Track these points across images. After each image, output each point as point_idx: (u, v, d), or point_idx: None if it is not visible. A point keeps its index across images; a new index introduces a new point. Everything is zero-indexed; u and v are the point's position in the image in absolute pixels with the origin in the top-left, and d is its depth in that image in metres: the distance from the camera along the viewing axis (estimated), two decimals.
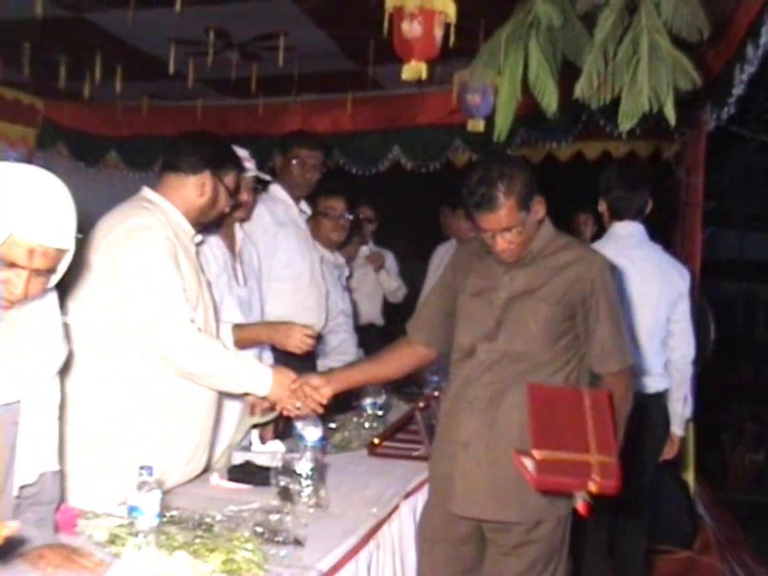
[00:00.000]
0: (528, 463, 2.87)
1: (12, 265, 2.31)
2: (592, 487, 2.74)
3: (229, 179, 3.62)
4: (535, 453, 2.81)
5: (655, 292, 4.86)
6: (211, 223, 3.77)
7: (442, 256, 7.33)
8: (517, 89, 3.34)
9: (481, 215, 3.21)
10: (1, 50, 6.74)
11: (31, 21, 5.44)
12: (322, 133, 7.62)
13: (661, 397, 5.00)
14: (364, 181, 7.91)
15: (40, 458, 2.58)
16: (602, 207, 5.17)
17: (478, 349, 3.33)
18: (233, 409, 3.97)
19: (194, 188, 3.50)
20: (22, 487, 2.55)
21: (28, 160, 8.33)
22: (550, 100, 3.30)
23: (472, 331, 3.38)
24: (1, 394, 2.46)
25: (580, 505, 2.79)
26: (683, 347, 5.03)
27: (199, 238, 3.67)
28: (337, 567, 2.77)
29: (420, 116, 7.49)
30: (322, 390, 3.45)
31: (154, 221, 3.35)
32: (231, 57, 6.77)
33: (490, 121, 5.95)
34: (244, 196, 4.28)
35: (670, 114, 3.21)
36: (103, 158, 8.44)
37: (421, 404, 4.52)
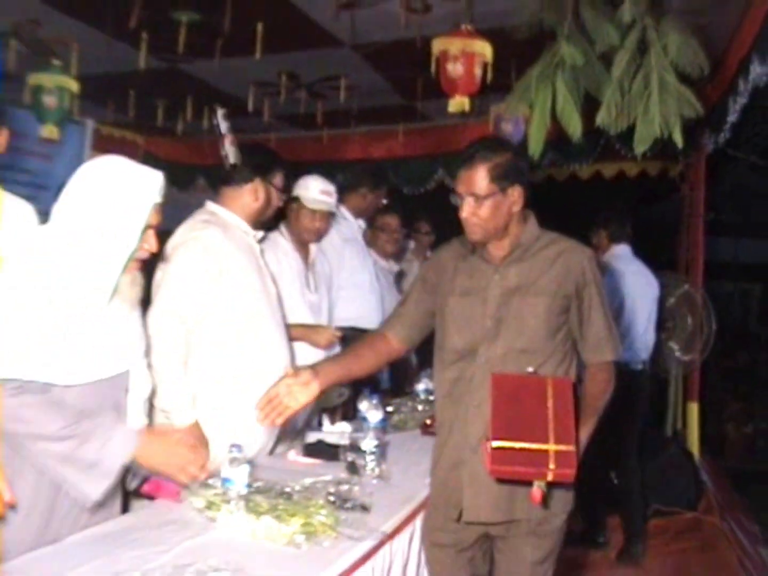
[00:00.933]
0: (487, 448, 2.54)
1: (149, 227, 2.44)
2: (549, 476, 2.48)
3: (278, 180, 3.60)
4: (492, 443, 2.48)
5: (648, 292, 5.74)
6: (270, 220, 3.75)
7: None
8: (546, 119, 3.35)
9: (459, 175, 2.86)
10: (111, 97, 6.88)
11: (135, 73, 5.51)
12: (377, 158, 7.66)
13: (645, 370, 5.70)
14: (415, 200, 7.92)
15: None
16: (601, 235, 5.88)
17: (479, 351, 2.85)
18: None
19: (249, 195, 3.50)
20: None
21: None
22: (575, 128, 3.31)
23: (468, 332, 2.89)
24: (118, 363, 2.52)
25: (535, 491, 2.50)
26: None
27: (260, 234, 3.64)
28: (398, 530, 2.78)
29: (461, 143, 7.47)
30: (310, 386, 2.79)
31: (205, 234, 3.34)
32: (300, 96, 6.86)
33: (521, 146, 5.97)
34: (320, 224, 4.29)
35: (678, 139, 3.22)
36: (192, 183, 8.50)
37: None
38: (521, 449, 2.49)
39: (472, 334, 2.88)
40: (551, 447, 2.49)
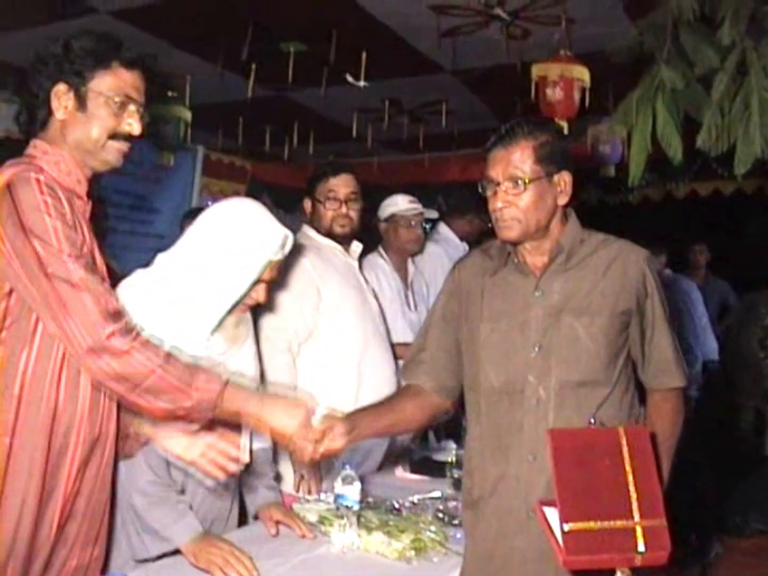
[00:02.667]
0: (554, 524, 1.90)
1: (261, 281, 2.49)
2: (637, 562, 1.84)
3: (319, 192, 3.52)
4: (564, 526, 1.82)
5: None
6: (328, 234, 3.55)
7: None
8: (647, 142, 3.33)
9: (492, 156, 2.25)
10: (221, 124, 7.07)
11: (244, 102, 5.67)
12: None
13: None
14: None
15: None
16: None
17: (526, 389, 2.22)
18: None
19: (308, 213, 3.55)
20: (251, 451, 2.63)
21: None
22: (675, 151, 3.28)
23: (507, 366, 2.26)
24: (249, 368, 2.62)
25: None
26: None
27: (359, 247, 3.63)
28: None
29: None
30: (339, 439, 2.28)
31: (303, 250, 3.35)
32: (402, 121, 6.93)
33: (617, 166, 5.96)
34: (418, 231, 4.36)
35: None
36: (298, 206, 8.59)
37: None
38: (600, 530, 1.85)
39: (514, 368, 2.25)
40: (638, 523, 1.86)
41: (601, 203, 7.73)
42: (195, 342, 2.40)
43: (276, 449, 2.86)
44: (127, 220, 7.08)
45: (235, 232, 2.44)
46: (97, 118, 2.04)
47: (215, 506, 2.58)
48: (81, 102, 2.04)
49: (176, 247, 2.52)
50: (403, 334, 4.10)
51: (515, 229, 2.23)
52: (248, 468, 2.64)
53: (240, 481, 2.68)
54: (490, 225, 4.71)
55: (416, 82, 5.94)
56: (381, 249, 4.33)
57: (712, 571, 5.31)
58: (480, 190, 2.30)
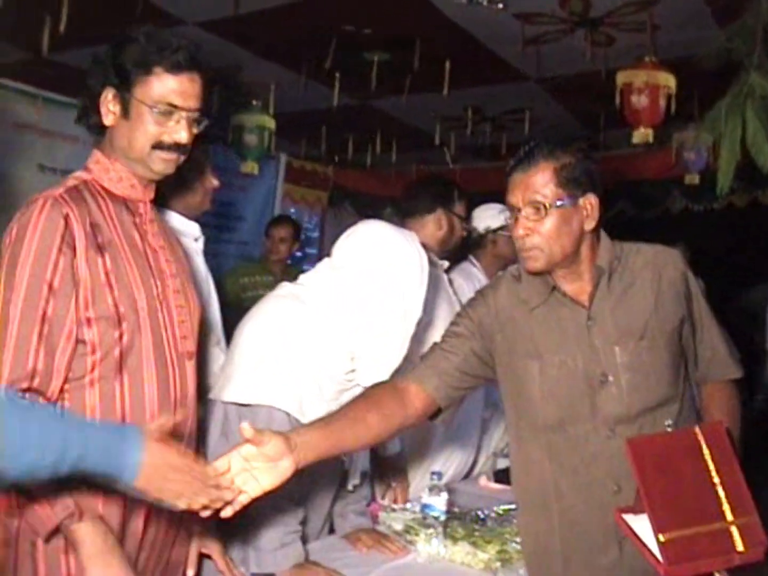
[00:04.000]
0: (643, 534, 1.83)
1: None
2: (736, 561, 1.77)
3: (459, 209, 3.55)
4: (659, 536, 1.74)
5: None
6: (451, 249, 3.63)
7: None
8: (736, 150, 3.27)
9: (511, 180, 2.08)
10: (305, 133, 7.14)
11: (328, 110, 5.73)
12: None
13: None
14: None
15: (363, 461, 2.67)
16: None
17: (596, 420, 2.06)
18: (496, 423, 4.00)
19: (433, 225, 3.46)
20: (354, 486, 2.66)
21: (322, 216, 8.74)
22: (766, 159, 3.22)
23: (572, 400, 2.09)
24: None
25: None
26: None
27: (446, 264, 3.62)
28: None
29: (643, 172, 7.37)
30: (280, 464, 1.80)
31: None
32: (485, 128, 6.92)
33: (702, 173, 5.86)
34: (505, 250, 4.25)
35: None
36: (380, 213, 8.65)
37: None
38: (697, 535, 1.78)
39: (580, 401, 2.08)
40: (732, 523, 1.80)
41: (685, 210, 7.60)
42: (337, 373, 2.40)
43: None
44: (213, 227, 7.19)
45: (398, 278, 2.39)
46: (139, 126, 1.97)
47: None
48: (125, 109, 1.96)
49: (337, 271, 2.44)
50: None
51: (539, 259, 2.06)
52: (354, 489, 2.66)
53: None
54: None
55: (499, 90, 5.93)
56: (473, 258, 4.26)
57: None
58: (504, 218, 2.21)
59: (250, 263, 6.24)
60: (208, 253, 3.44)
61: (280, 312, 2.39)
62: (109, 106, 1.97)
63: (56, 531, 1.79)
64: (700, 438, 1.86)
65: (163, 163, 2.01)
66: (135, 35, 1.98)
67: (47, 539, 1.80)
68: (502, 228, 4.16)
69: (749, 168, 3.33)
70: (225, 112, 5.62)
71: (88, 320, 1.85)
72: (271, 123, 5.59)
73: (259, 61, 5.45)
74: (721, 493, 1.81)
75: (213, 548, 2.24)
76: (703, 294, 2.18)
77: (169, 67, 1.95)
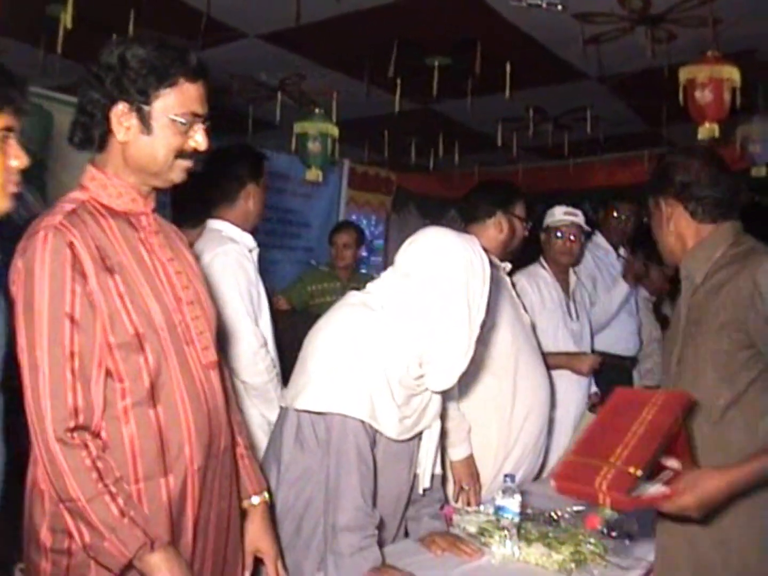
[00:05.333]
0: None
1: None
2: (599, 499, 1.93)
3: (519, 210, 3.57)
4: (566, 455, 2.13)
5: None
6: (515, 251, 3.66)
7: None
8: None
9: None
10: (367, 138, 7.22)
11: (390, 115, 5.78)
12: (623, 185, 7.56)
13: None
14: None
15: (433, 464, 2.68)
16: None
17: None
18: (567, 419, 4.01)
19: (494, 228, 3.50)
20: (425, 490, 2.68)
21: (387, 220, 8.77)
22: None
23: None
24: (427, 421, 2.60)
25: (591, 517, 2.25)
26: None
27: (508, 266, 3.64)
28: None
29: None
30: None
31: None
32: (547, 128, 6.92)
33: None
34: (570, 243, 4.24)
35: None
36: (444, 215, 8.66)
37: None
38: (582, 464, 2.02)
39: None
40: (611, 464, 1.94)
41: (753, 204, 7.50)
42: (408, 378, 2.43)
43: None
44: (276, 234, 7.28)
45: (461, 284, 2.39)
46: (163, 139, 1.90)
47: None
48: (145, 123, 1.88)
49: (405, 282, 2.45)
50: (564, 343, 4.10)
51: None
52: (424, 493, 2.68)
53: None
54: (645, 219, 4.52)
55: (561, 90, 5.92)
56: (542, 259, 4.30)
57: None
58: None
59: (317, 270, 6.30)
60: (272, 261, 3.52)
61: (350, 320, 2.43)
62: (122, 122, 1.88)
63: (129, 565, 1.78)
64: (658, 398, 2.08)
65: (183, 173, 1.98)
66: (141, 43, 1.90)
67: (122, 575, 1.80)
68: (546, 229, 4.23)
69: None
70: (287, 121, 5.71)
71: (110, 347, 1.81)
72: (334, 130, 5.63)
73: (321, 70, 5.51)
74: (627, 440, 1.98)
75: (267, 553, 2.25)
76: None
77: (190, 75, 1.91)
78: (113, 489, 1.75)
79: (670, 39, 4.83)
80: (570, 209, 4.23)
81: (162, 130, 1.89)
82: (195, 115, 1.93)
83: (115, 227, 1.90)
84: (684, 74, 4.43)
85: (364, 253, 8.69)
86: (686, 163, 2.36)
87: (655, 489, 2.00)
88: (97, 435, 1.79)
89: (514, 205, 3.56)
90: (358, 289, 2.58)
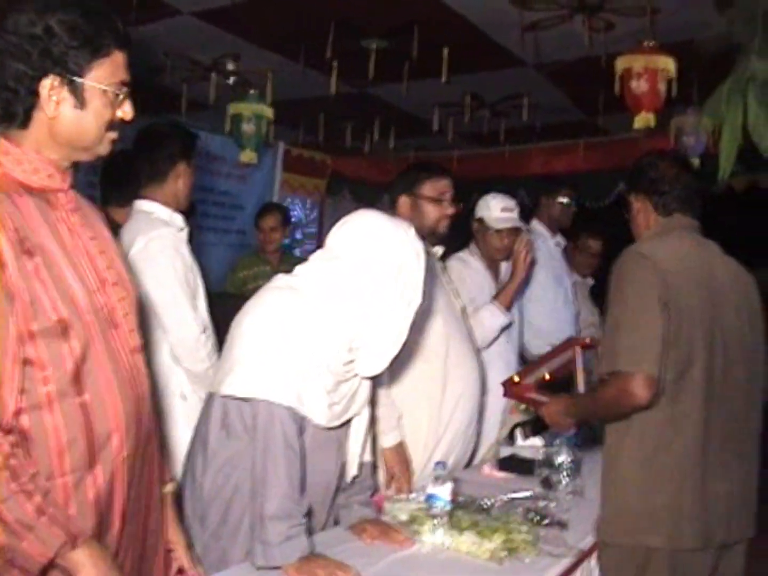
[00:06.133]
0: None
1: None
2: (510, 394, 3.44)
3: (428, 190, 3.41)
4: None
5: None
6: (432, 233, 3.47)
7: None
8: (738, 135, 3.26)
9: None
10: (303, 121, 7.15)
11: (326, 98, 5.72)
12: (558, 173, 7.60)
13: None
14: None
15: (361, 452, 2.64)
16: None
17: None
18: (498, 405, 4.01)
19: (401, 209, 3.40)
20: (355, 477, 2.65)
21: (321, 204, 8.73)
22: (767, 144, 3.21)
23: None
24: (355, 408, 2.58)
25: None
26: None
27: (440, 250, 3.60)
28: (595, 547, 2.69)
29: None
30: None
31: None
32: (483, 115, 6.90)
33: (702, 158, 5.84)
34: (506, 242, 4.14)
35: None
36: (379, 200, 8.63)
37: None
38: (516, 381, 3.36)
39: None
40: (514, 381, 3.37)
41: None
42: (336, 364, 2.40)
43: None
44: (211, 217, 7.20)
45: (394, 267, 2.36)
46: (96, 112, 1.79)
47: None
48: (78, 97, 1.76)
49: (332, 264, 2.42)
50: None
51: None
52: (353, 481, 2.65)
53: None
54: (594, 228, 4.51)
55: (498, 76, 5.90)
56: (473, 247, 4.24)
57: None
58: None
59: (247, 257, 6.25)
60: (207, 244, 3.46)
61: (277, 304, 2.37)
62: (52, 95, 1.75)
63: (50, 564, 1.68)
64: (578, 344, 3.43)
65: (110, 144, 1.88)
66: (63, 8, 1.74)
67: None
68: (480, 220, 4.18)
69: (748, 152, 3.33)
70: (222, 102, 5.63)
71: (31, 335, 1.67)
72: (268, 112, 5.56)
73: (257, 50, 5.42)
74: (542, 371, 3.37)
75: (177, 543, 2.17)
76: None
77: (121, 43, 1.81)
78: (29, 487, 1.65)
79: (608, 28, 4.84)
80: (507, 204, 4.14)
81: (95, 102, 1.79)
82: (123, 84, 1.83)
83: (33, 205, 1.76)
84: (621, 63, 4.44)
85: (299, 236, 8.67)
86: (655, 163, 2.78)
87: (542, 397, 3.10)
88: (9, 431, 1.66)
89: (419, 186, 3.43)
90: (289, 272, 2.52)
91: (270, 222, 6.01)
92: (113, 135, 1.87)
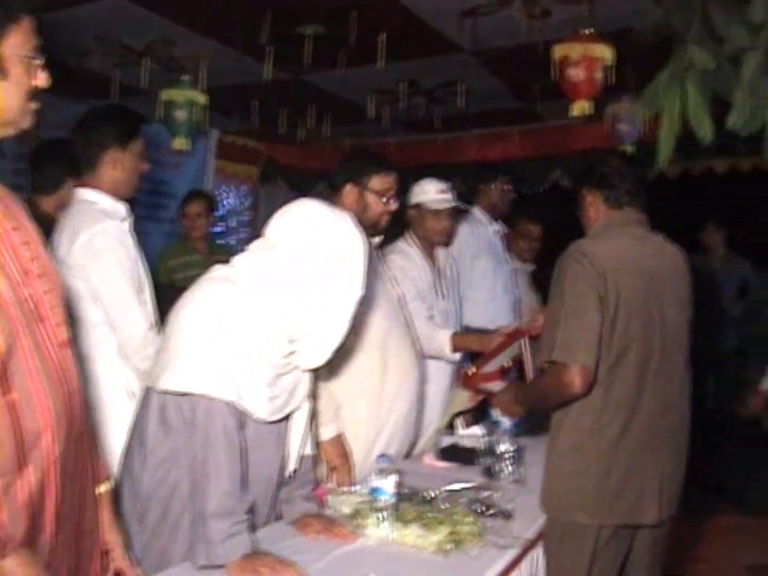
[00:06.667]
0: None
1: None
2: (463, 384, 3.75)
3: (375, 183, 3.36)
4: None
5: None
6: (373, 227, 3.41)
7: None
8: (676, 123, 3.28)
9: None
10: (237, 107, 7.05)
11: (260, 84, 5.65)
12: (492, 160, 7.63)
13: None
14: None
15: (301, 445, 2.63)
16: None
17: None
18: (437, 395, 4.00)
19: (346, 201, 3.33)
20: (295, 471, 2.62)
21: (255, 192, 8.65)
22: (706, 132, 3.23)
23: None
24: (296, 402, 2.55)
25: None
26: None
27: (377, 241, 3.54)
28: (540, 535, 2.74)
29: (577, 143, 7.41)
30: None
31: None
32: (419, 101, 6.86)
33: (637, 145, 5.90)
34: (446, 223, 4.15)
35: None
36: (313, 188, 8.59)
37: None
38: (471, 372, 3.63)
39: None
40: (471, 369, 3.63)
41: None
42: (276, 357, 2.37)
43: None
44: (144, 205, 7.08)
45: (335, 257, 2.34)
46: (17, 81, 1.73)
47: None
48: (1, 68, 1.71)
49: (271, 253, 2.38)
50: (438, 320, 4.07)
51: None
52: (294, 475, 2.63)
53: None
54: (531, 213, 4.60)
55: (434, 63, 5.86)
56: (409, 236, 4.21)
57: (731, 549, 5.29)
58: None
59: (174, 246, 6.14)
60: (140, 233, 3.38)
61: (214, 296, 2.32)
62: None
63: None
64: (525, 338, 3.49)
65: (33, 116, 1.81)
66: None
67: None
68: (419, 206, 4.14)
69: (682, 140, 3.35)
70: (154, 88, 5.52)
71: None
72: (202, 98, 5.46)
73: (191, 35, 5.32)
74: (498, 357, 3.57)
75: (115, 544, 2.07)
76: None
77: (29, 7, 1.75)
78: None
79: (545, 15, 4.83)
80: (442, 186, 4.13)
81: (15, 71, 1.72)
82: (36, 50, 1.76)
83: None
84: (558, 51, 4.45)
85: (233, 224, 8.59)
86: (606, 159, 3.10)
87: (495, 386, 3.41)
88: None
89: (368, 178, 3.37)
90: (220, 261, 2.47)
91: (195, 208, 5.93)
92: (34, 105, 1.80)
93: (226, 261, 2.45)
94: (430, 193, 4.11)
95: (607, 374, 2.66)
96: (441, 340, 3.90)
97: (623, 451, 2.68)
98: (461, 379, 3.78)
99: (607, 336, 2.64)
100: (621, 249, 2.81)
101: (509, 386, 3.24)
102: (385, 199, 3.38)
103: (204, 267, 2.56)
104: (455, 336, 3.95)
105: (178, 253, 5.94)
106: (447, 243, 4.29)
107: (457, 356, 4.01)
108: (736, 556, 5.17)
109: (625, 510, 2.70)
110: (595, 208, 2.97)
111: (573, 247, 2.76)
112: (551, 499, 2.79)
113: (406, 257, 4.06)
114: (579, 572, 2.70)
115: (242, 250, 2.48)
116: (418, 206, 4.12)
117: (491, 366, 3.61)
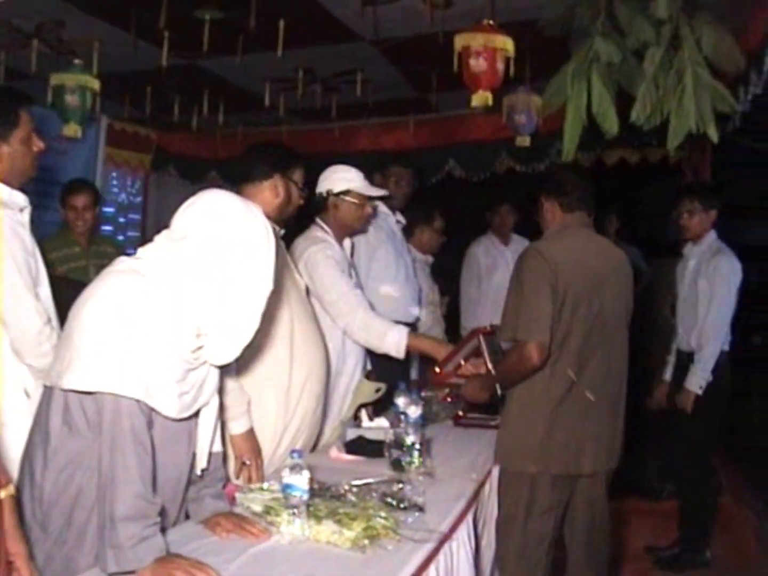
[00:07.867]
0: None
1: None
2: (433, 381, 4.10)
3: (297, 176, 3.43)
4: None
5: None
6: (290, 217, 3.50)
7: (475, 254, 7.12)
8: (582, 116, 3.31)
9: None
10: (129, 93, 6.89)
11: (154, 70, 5.52)
12: (387, 150, 7.62)
13: None
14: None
15: (210, 442, 2.55)
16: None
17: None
18: (342, 387, 3.97)
19: (269, 191, 3.33)
20: (202, 470, 2.54)
21: (146, 180, 8.50)
22: (611, 125, 3.26)
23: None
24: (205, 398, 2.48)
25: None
26: None
27: (281, 231, 3.49)
28: (454, 528, 2.72)
29: (472, 133, 7.47)
30: None
31: None
32: (315, 90, 6.80)
33: (533, 136, 5.96)
34: (369, 209, 4.14)
35: (713, 134, 3.16)
36: (205, 176, 8.46)
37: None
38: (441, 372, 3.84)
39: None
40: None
41: (511, 172, 7.74)
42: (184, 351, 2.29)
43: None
44: (29, 193, 6.84)
45: (243, 249, 2.28)
46: None
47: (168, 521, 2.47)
48: None
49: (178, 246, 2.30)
50: None
51: None
52: (203, 473, 2.55)
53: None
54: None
55: (333, 51, 5.83)
56: (322, 223, 4.13)
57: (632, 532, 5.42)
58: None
59: (55, 238, 5.88)
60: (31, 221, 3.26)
61: (119, 289, 2.22)
62: None
63: None
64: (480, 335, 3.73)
65: None
66: None
67: None
68: (345, 193, 4.09)
69: (592, 131, 3.39)
70: (44, 72, 5.32)
71: None
72: (94, 83, 5.29)
73: (83, 17, 5.15)
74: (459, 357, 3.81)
75: (18, 554, 1.93)
76: None
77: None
78: None
79: (447, 5, 4.84)
80: (367, 185, 4.11)
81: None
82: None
83: None
84: (459, 41, 4.43)
85: (122, 220, 8.42)
86: (562, 172, 3.74)
87: (460, 380, 3.76)
88: None
89: (293, 170, 3.41)
90: (102, 252, 2.38)
91: (83, 200, 5.61)
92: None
93: (111, 252, 2.36)
94: (357, 180, 4.06)
95: (556, 349, 3.28)
96: (395, 337, 3.86)
97: (566, 412, 3.31)
98: (431, 378, 4.12)
99: (556, 319, 3.26)
100: (571, 249, 3.42)
101: (475, 376, 3.69)
102: (300, 192, 3.44)
103: (84, 259, 2.45)
104: (410, 336, 3.92)
105: (58, 246, 5.64)
106: (365, 230, 4.27)
107: (402, 353, 3.96)
108: (637, 538, 5.33)
109: (565, 460, 3.33)
110: (551, 212, 3.56)
111: (531, 247, 3.43)
112: (505, 451, 3.43)
113: (329, 246, 3.99)
114: (520, 512, 3.34)
115: (126, 239, 2.39)
116: (343, 193, 4.04)
117: (450, 365, 3.85)
